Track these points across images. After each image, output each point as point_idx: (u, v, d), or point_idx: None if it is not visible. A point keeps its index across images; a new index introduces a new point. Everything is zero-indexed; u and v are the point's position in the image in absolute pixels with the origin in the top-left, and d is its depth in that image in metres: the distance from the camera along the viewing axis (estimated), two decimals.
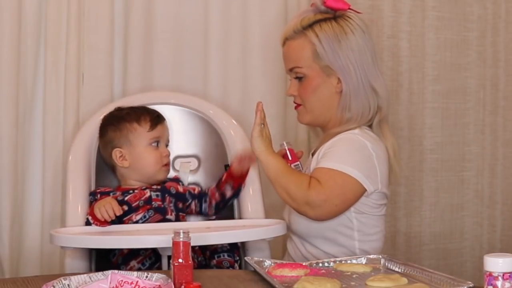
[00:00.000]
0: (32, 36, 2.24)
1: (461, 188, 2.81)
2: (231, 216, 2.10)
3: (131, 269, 1.86)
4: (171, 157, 2.13)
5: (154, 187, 1.99)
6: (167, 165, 2.03)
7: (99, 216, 1.81)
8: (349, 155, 1.85)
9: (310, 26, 1.92)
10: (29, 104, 2.25)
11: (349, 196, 1.83)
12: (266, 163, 1.85)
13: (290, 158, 1.98)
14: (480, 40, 2.79)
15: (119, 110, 2.06)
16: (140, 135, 1.99)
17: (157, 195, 1.96)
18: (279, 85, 2.46)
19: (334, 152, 1.86)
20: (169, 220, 1.94)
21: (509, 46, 2.72)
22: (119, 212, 1.82)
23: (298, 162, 1.99)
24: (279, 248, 2.40)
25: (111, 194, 1.95)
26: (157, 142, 2.01)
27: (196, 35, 2.39)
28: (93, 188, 2.03)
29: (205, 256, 1.96)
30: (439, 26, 2.73)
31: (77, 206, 1.95)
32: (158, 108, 2.15)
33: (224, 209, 2.07)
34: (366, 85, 1.92)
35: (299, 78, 1.95)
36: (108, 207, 1.82)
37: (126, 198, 1.94)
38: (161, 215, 1.94)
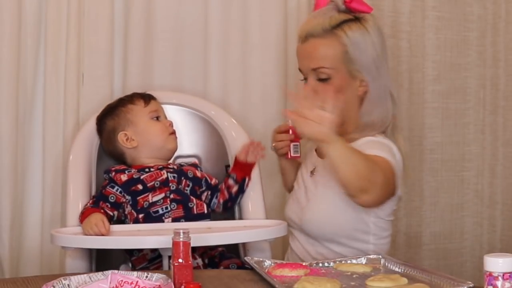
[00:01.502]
0: (32, 36, 2.24)
1: (461, 188, 2.81)
2: (231, 217, 2.10)
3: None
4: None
5: (171, 167, 1.99)
6: (173, 133, 2.05)
7: (91, 233, 1.79)
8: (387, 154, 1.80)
9: (339, 26, 1.87)
10: (29, 104, 2.25)
11: (391, 184, 1.77)
12: (336, 142, 1.63)
13: (293, 136, 2.00)
14: (480, 40, 2.79)
15: (108, 104, 2.09)
16: (138, 112, 2.02)
17: (173, 177, 1.97)
18: (279, 85, 2.46)
19: (374, 148, 1.78)
20: (192, 208, 1.95)
21: (509, 46, 2.72)
22: (107, 232, 1.79)
23: (298, 143, 2.00)
24: (279, 248, 2.40)
25: (126, 172, 1.95)
26: (157, 116, 2.04)
27: (196, 35, 2.40)
28: (93, 189, 2.03)
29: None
30: (439, 26, 2.73)
31: (77, 206, 1.94)
32: None
33: (232, 208, 2.06)
34: (386, 90, 1.89)
35: (322, 79, 1.88)
36: (100, 225, 1.78)
37: (142, 177, 1.94)
38: (180, 197, 1.94)
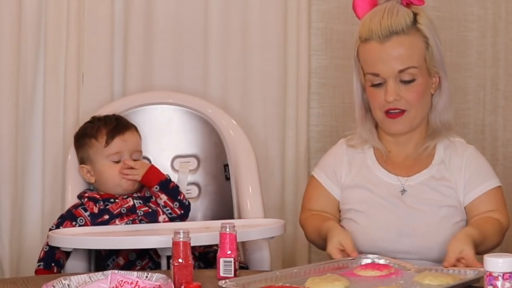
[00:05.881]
0: (32, 36, 2.24)
1: None
2: (230, 216, 2.10)
3: None
4: (170, 157, 2.14)
5: (136, 195, 1.97)
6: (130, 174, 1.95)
7: None
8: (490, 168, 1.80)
9: (415, 19, 1.71)
10: (29, 104, 2.26)
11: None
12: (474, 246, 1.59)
13: None
14: (480, 40, 2.79)
15: (87, 122, 2.02)
16: (98, 151, 1.96)
17: (140, 203, 1.95)
18: (279, 85, 2.46)
19: (485, 172, 1.78)
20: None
21: (509, 46, 2.72)
22: None
23: (233, 258, 1.50)
24: (279, 247, 2.40)
25: (97, 204, 1.93)
26: (118, 159, 1.95)
27: (196, 35, 2.40)
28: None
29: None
30: (439, 26, 2.70)
31: None
32: (157, 108, 2.15)
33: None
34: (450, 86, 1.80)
35: (405, 81, 1.70)
36: None
37: (108, 207, 1.93)
38: (148, 219, 1.93)
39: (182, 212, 1.96)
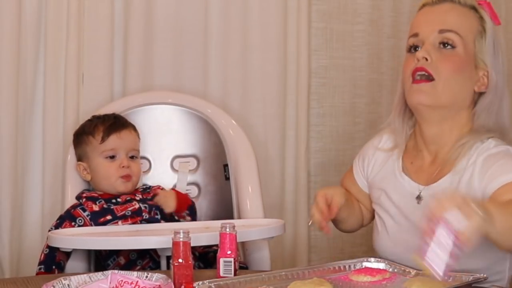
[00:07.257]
0: (32, 36, 2.24)
1: None
2: (230, 216, 2.10)
3: None
4: (170, 157, 2.14)
5: (138, 198, 1.96)
6: (126, 176, 1.95)
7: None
8: None
9: (476, 9, 1.61)
10: (29, 104, 2.26)
11: None
12: (491, 223, 1.24)
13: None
14: None
15: (87, 121, 2.02)
16: (94, 147, 1.95)
17: (145, 207, 1.95)
18: (279, 85, 2.47)
19: (505, 163, 1.51)
20: None
21: (509, 46, 2.71)
22: None
23: (232, 258, 1.48)
24: (279, 247, 2.40)
25: (97, 202, 1.93)
26: (112, 155, 1.94)
27: (196, 35, 2.40)
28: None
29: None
30: None
31: None
32: (157, 108, 2.15)
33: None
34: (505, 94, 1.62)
35: (445, 44, 1.57)
36: None
37: (112, 207, 1.92)
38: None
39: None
